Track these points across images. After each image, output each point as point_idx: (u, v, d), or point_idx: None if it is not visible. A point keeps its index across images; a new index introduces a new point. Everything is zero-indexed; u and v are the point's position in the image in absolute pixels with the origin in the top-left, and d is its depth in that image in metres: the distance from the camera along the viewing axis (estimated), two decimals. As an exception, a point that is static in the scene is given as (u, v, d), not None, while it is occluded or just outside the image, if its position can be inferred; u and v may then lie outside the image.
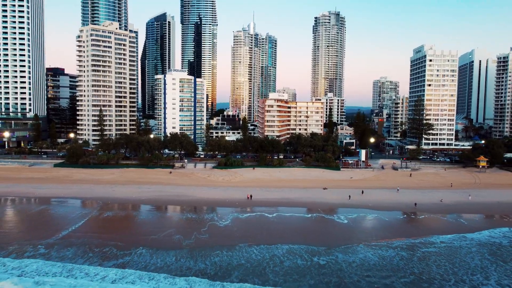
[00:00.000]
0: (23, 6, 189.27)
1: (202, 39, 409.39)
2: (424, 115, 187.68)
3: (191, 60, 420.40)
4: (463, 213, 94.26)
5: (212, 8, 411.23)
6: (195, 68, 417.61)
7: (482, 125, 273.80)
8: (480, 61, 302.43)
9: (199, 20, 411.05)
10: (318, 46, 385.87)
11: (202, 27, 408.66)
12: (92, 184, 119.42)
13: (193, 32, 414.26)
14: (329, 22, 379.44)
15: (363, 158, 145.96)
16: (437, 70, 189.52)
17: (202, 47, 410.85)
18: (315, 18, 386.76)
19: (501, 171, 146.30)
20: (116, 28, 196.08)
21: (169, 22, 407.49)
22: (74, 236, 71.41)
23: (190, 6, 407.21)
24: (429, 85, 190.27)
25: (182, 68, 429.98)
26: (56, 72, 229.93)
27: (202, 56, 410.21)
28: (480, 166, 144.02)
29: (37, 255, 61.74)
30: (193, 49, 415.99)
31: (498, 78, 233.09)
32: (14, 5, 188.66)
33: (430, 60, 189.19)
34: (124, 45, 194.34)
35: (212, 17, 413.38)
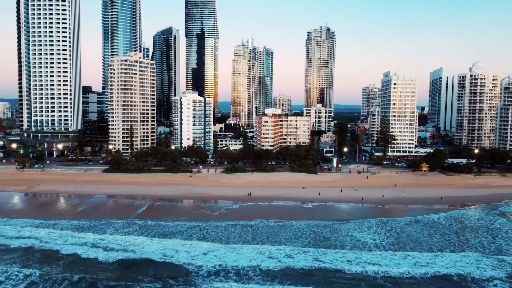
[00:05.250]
0: (66, 33, 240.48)
1: (205, 51, 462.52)
2: (390, 128, 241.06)
3: (194, 69, 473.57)
4: (393, 204, 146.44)
5: (214, 22, 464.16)
6: (198, 77, 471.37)
7: (448, 133, 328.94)
8: (447, 77, 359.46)
9: (202, 33, 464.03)
10: (310, 58, 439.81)
11: (205, 40, 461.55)
12: (135, 185, 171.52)
13: (196, 44, 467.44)
14: (320, 37, 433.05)
15: (334, 164, 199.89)
16: (400, 92, 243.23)
17: (205, 58, 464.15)
18: (308, 32, 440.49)
19: (439, 174, 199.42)
20: (140, 58, 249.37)
21: (174, 35, 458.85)
22: (147, 213, 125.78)
23: (193, 21, 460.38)
24: (394, 103, 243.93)
25: (186, 76, 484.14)
26: (85, 90, 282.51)
27: (205, 67, 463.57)
28: (423, 170, 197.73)
29: (135, 220, 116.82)
30: (196, 60, 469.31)
31: (459, 94, 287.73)
32: (59, 33, 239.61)
33: (395, 84, 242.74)
34: (146, 71, 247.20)
35: (214, 31, 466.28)
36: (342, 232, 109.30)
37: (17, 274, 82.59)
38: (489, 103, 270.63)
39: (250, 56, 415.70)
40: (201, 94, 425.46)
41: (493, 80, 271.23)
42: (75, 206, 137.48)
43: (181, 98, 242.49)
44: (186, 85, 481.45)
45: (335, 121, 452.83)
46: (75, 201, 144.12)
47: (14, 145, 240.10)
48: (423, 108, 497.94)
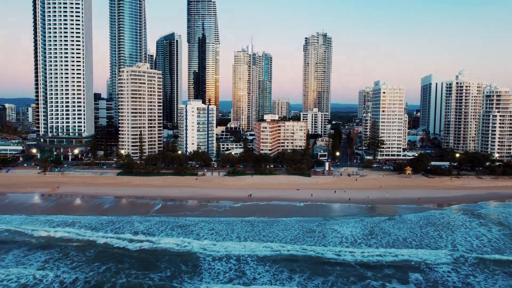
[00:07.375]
0: (80, 43, 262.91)
1: (206, 55, 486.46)
2: (379, 133, 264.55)
3: (196, 73, 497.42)
4: (375, 204, 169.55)
5: (215, 28, 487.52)
6: (200, 81, 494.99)
7: (437, 136, 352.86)
8: (436, 83, 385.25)
9: (203, 38, 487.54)
10: (308, 63, 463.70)
11: (206, 45, 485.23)
12: (148, 187, 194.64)
13: (197, 49, 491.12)
14: (317, 42, 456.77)
15: (327, 168, 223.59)
16: (389, 100, 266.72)
17: (206, 63, 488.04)
18: (305, 38, 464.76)
19: (422, 177, 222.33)
20: (147, 68, 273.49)
21: (176, 40, 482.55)
22: (162, 210, 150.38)
23: (195, 27, 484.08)
24: (383, 110, 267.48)
25: (188, 80, 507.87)
26: (95, 97, 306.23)
27: (206, 71, 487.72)
28: (407, 173, 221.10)
29: (154, 217, 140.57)
30: (198, 64, 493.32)
31: (446, 100, 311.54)
32: (73, 43, 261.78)
33: (384, 92, 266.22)
34: (154, 80, 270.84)
35: (215, 36, 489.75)
36: (326, 226, 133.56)
37: (60, 260, 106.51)
38: (473, 109, 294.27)
39: (250, 61, 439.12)
40: (203, 97, 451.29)
41: (477, 87, 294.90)
42: (99, 205, 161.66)
43: (186, 106, 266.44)
44: (188, 89, 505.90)
45: (333, 122, 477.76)
46: (98, 201, 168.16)
47: (34, 150, 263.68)
48: (417, 110, 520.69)
